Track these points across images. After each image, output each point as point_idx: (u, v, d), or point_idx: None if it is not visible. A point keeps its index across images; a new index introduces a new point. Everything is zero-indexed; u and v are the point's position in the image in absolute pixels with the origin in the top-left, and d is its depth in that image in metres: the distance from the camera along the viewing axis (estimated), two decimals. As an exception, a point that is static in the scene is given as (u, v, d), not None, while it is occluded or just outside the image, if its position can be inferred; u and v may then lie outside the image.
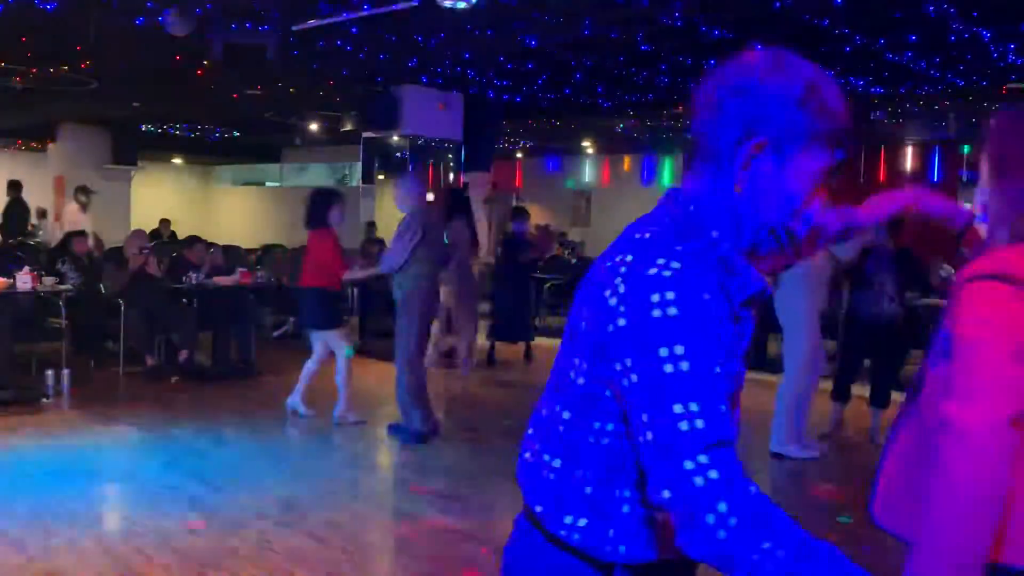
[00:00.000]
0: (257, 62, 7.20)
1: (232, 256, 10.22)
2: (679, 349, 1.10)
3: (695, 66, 8.10)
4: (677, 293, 1.11)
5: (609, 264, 1.20)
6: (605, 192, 16.64)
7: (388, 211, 12.82)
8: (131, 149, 14.49)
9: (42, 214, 15.25)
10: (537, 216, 17.02)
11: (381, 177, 10.30)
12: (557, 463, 1.26)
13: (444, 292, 7.69)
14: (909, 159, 13.56)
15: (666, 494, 1.10)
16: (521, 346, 9.12)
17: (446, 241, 6.86)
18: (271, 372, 8.07)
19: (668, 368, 1.10)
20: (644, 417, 1.12)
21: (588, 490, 1.23)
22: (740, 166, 1.21)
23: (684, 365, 1.09)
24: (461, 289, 7.82)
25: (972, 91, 8.77)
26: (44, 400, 6.67)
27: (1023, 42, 6.85)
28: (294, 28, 6.85)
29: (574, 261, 12.90)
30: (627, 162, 16.37)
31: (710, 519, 1.06)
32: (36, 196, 15.47)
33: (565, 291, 11.72)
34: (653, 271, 1.13)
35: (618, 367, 1.14)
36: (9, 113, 12.63)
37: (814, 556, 1.07)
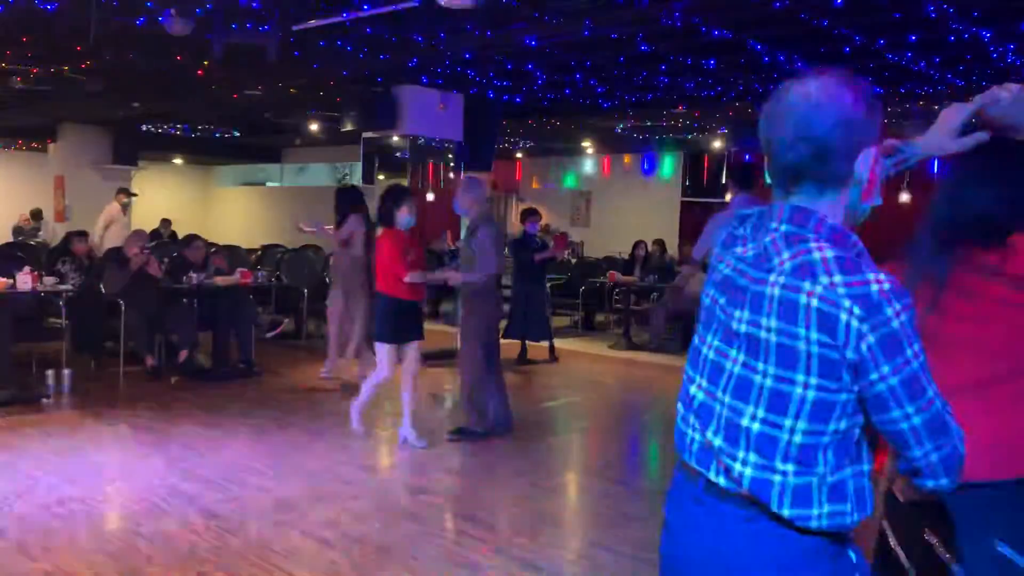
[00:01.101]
0: (257, 62, 7.20)
1: (232, 256, 10.22)
2: (916, 345, 1.37)
3: (695, 66, 8.10)
4: (900, 301, 1.35)
5: (805, 285, 1.38)
6: (605, 192, 16.63)
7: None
8: (131, 149, 14.47)
9: (38, 215, 15.27)
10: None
11: (381, 177, 10.27)
12: (791, 467, 1.41)
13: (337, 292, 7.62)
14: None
15: (934, 457, 1.40)
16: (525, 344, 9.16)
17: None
18: (271, 372, 8.08)
19: (915, 364, 1.37)
20: (908, 409, 1.37)
21: (829, 481, 1.42)
22: (868, 180, 1.46)
23: (921, 356, 1.37)
24: (350, 287, 7.51)
25: (972, 91, 8.76)
26: (44, 400, 6.68)
27: (1023, 42, 6.85)
28: (294, 28, 6.85)
29: (574, 261, 12.89)
30: (627, 162, 16.35)
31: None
32: (36, 196, 15.47)
33: (565, 291, 11.74)
34: (875, 288, 1.35)
35: (874, 377, 1.36)
36: (9, 113, 12.62)
37: None
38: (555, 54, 7.80)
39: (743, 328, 1.45)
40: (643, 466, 5.88)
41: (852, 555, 1.48)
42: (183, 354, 7.78)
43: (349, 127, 9.99)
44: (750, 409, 1.43)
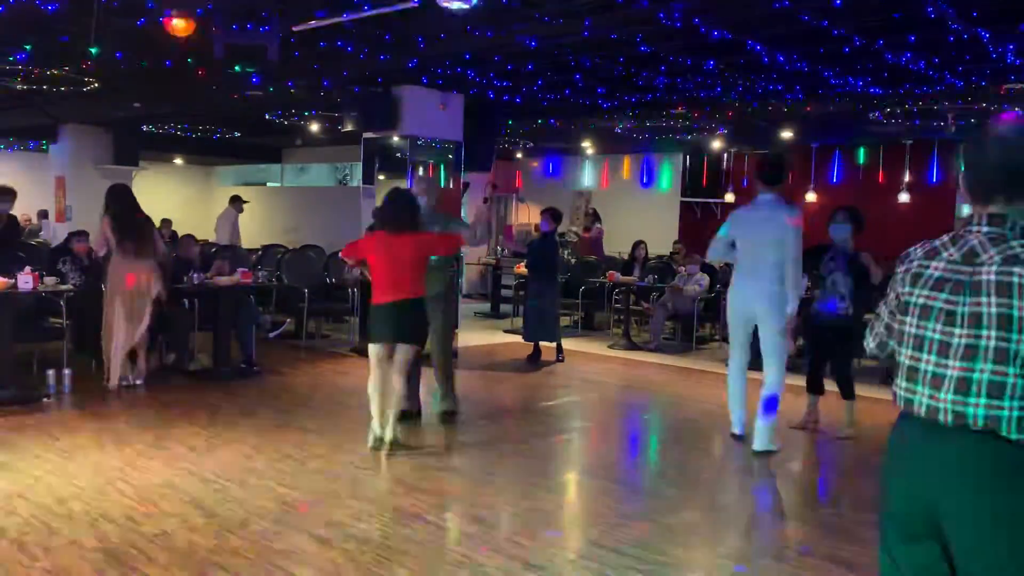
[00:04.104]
0: (257, 62, 7.20)
1: (232, 256, 10.22)
2: None
3: (695, 66, 8.10)
4: None
5: (1015, 269, 1.89)
6: (605, 192, 16.63)
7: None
8: (132, 149, 14.46)
9: (44, 215, 15.26)
10: (537, 216, 17.06)
11: (381, 177, 10.26)
12: (1017, 403, 1.88)
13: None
14: (908, 159, 13.56)
15: None
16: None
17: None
18: (271, 372, 8.09)
19: None
20: None
21: None
22: None
23: None
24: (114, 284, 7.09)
25: (971, 91, 8.77)
26: (44, 400, 6.68)
27: (1022, 42, 6.85)
28: (295, 28, 6.85)
29: (573, 261, 12.88)
30: (627, 162, 16.36)
31: None
32: (36, 196, 15.46)
33: (565, 291, 11.72)
34: None
35: None
36: (9, 113, 12.63)
37: None
38: (555, 54, 7.80)
39: (966, 309, 1.95)
40: (643, 466, 5.88)
41: None
42: (170, 356, 7.87)
43: (349, 127, 9.99)
44: (979, 365, 1.92)
